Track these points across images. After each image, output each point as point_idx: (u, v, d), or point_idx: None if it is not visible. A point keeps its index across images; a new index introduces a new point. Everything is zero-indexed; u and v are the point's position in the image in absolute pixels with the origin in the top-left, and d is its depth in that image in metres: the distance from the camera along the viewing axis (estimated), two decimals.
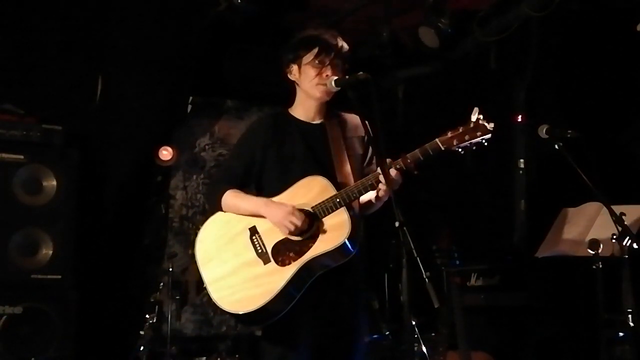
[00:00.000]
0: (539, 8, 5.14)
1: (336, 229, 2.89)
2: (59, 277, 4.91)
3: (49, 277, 4.88)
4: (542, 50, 5.69)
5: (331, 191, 2.93)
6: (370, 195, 3.01)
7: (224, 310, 2.96)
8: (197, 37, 5.78)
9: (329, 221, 2.92)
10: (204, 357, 5.38)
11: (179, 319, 5.36)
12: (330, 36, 3.08)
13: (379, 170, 2.88)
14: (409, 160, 2.88)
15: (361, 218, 3.08)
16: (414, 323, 4.82)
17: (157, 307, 5.17)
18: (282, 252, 2.94)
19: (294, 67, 3.12)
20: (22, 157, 4.92)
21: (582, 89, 5.50)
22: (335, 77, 3.01)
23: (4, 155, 4.88)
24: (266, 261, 2.94)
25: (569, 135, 3.68)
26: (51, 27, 5.37)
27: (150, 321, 5.11)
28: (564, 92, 5.75)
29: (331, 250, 2.88)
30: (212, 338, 6.15)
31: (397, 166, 2.88)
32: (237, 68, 6.32)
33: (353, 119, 3.18)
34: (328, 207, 2.91)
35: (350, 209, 2.93)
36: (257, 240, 2.99)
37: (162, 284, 5.22)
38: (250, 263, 2.96)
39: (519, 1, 5.29)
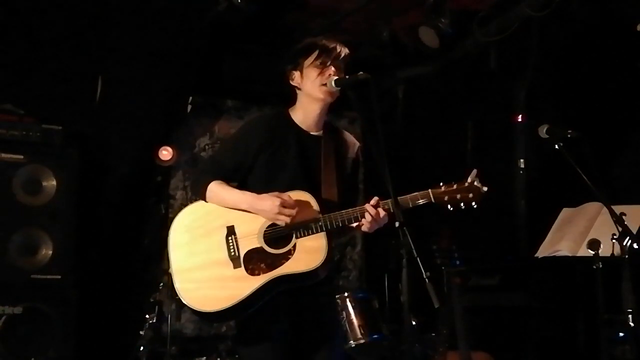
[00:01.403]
0: (539, 8, 5.14)
1: (312, 253, 2.89)
2: (59, 277, 4.91)
3: (49, 277, 4.88)
4: (542, 50, 5.70)
5: (315, 212, 2.93)
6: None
7: (184, 303, 2.96)
8: (197, 37, 5.78)
9: (306, 242, 2.91)
10: (204, 357, 5.37)
11: (179, 319, 5.34)
12: (328, 41, 3.09)
13: (366, 205, 2.89)
14: (397, 206, 2.84)
15: (338, 240, 3.09)
16: (414, 323, 4.82)
17: (157, 307, 5.16)
18: (254, 261, 2.93)
19: (296, 74, 3.11)
20: (22, 157, 4.92)
21: (582, 89, 5.51)
22: (336, 77, 3.01)
23: (4, 155, 4.88)
24: (236, 266, 2.94)
25: (569, 135, 3.68)
26: (51, 27, 5.37)
27: (150, 321, 5.11)
28: (564, 92, 5.75)
29: (302, 273, 2.88)
30: (212, 338, 6.14)
31: (386, 207, 2.88)
32: (237, 68, 6.32)
33: (349, 138, 3.20)
34: (309, 228, 2.91)
35: (329, 234, 2.92)
36: (232, 242, 2.97)
37: (162, 284, 5.21)
38: (221, 263, 2.95)
39: (519, 1, 5.30)
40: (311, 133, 3.12)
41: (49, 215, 4.95)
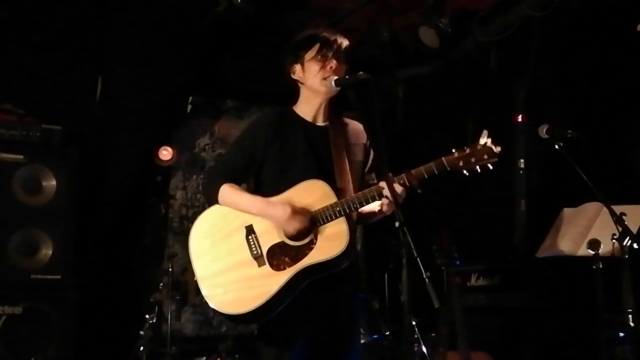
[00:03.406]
0: (539, 8, 5.14)
1: (334, 239, 2.88)
2: (59, 277, 4.91)
3: (49, 277, 4.88)
4: (542, 50, 5.69)
5: (332, 198, 2.92)
6: (373, 207, 3.00)
7: (215, 310, 2.95)
8: (197, 37, 5.78)
9: (327, 230, 2.90)
10: (204, 357, 5.38)
11: (179, 319, 5.35)
12: (328, 32, 3.08)
13: (382, 183, 2.86)
14: (413, 177, 2.86)
15: (358, 225, 3.06)
16: (414, 323, 4.82)
17: (157, 307, 5.17)
18: (278, 256, 2.92)
19: (297, 67, 3.11)
20: (22, 157, 4.92)
21: (582, 89, 5.50)
22: (336, 77, 3.01)
23: (4, 155, 4.88)
24: (261, 264, 2.93)
25: (569, 135, 3.68)
26: (51, 27, 5.37)
27: (150, 321, 5.11)
28: (564, 92, 5.75)
29: (327, 261, 2.87)
30: (212, 338, 6.14)
31: (402, 182, 2.86)
32: (237, 68, 6.32)
33: (356, 125, 3.18)
34: (328, 215, 2.90)
35: (349, 218, 2.91)
36: (253, 241, 2.96)
37: (162, 284, 5.22)
38: (245, 263, 2.94)
39: (519, 1, 5.29)
40: (317, 124, 3.13)
41: (49, 215, 4.95)
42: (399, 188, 2.84)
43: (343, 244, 2.86)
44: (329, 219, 2.89)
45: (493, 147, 2.87)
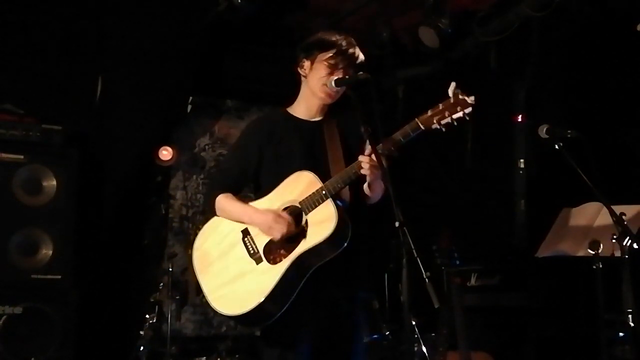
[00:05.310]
0: (539, 8, 5.14)
1: (323, 222, 2.89)
2: (59, 277, 4.91)
3: (49, 277, 4.88)
4: (542, 50, 5.69)
5: (317, 185, 2.93)
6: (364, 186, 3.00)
7: (223, 314, 2.99)
8: (197, 37, 5.78)
9: (316, 214, 2.92)
10: (204, 357, 5.37)
11: (179, 319, 5.35)
12: (348, 44, 3.08)
13: (360, 157, 2.87)
14: (390, 144, 2.85)
15: (358, 208, 3.05)
16: (414, 323, 4.82)
17: (157, 307, 5.16)
18: (274, 251, 2.96)
19: (307, 63, 3.12)
20: (22, 157, 4.92)
21: (582, 89, 5.51)
22: (336, 77, 3.01)
23: (4, 155, 4.88)
24: (258, 261, 2.97)
25: (569, 135, 3.68)
26: (51, 27, 5.37)
27: (150, 321, 5.11)
28: (564, 92, 5.75)
29: (320, 243, 2.88)
30: (212, 338, 6.15)
31: (379, 151, 2.85)
32: (237, 68, 6.32)
33: (351, 117, 3.19)
34: (314, 200, 2.92)
35: (337, 199, 2.92)
36: (249, 242, 3.02)
37: (162, 284, 5.22)
38: (244, 265, 2.99)
39: (519, 1, 5.30)
40: (310, 120, 3.15)
41: (49, 215, 4.94)
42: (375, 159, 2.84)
43: (332, 224, 2.86)
44: (316, 204, 2.91)
45: (466, 98, 2.84)
